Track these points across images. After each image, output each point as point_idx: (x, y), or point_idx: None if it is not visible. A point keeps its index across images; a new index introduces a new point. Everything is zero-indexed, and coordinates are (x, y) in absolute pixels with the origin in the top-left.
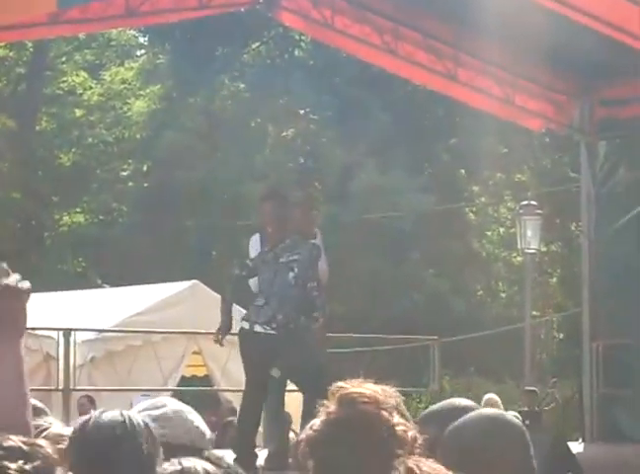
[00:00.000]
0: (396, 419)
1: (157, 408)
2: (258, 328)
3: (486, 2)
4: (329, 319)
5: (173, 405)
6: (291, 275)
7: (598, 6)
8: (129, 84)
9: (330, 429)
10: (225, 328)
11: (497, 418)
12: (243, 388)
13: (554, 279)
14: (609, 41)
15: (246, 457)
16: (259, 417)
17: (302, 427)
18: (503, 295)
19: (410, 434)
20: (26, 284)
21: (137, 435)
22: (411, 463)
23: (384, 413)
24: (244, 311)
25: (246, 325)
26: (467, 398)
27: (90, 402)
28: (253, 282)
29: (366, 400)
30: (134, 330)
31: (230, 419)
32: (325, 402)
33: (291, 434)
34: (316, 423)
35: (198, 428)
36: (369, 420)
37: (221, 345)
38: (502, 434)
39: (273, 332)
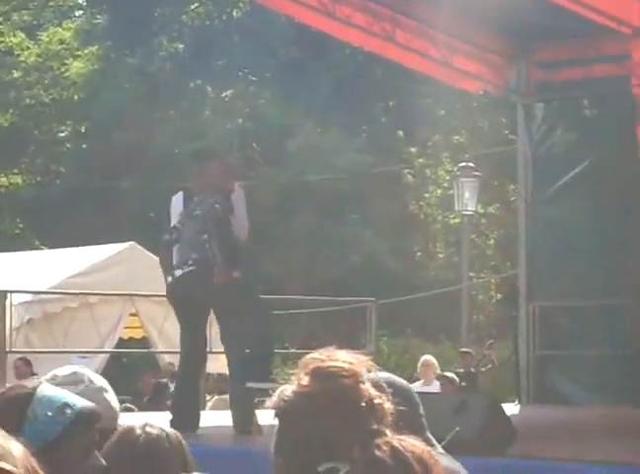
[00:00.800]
0: (372, 391)
1: (75, 384)
2: (178, 272)
3: None
4: (258, 280)
5: (92, 382)
6: (197, 228)
7: None
8: (67, 44)
9: (305, 401)
10: None
11: (388, 378)
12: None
13: (491, 241)
14: (546, 3)
15: (185, 417)
16: (201, 368)
17: (235, 380)
18: (440, 257)
19: (386, 406)
20: None
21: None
22: (395, 442)
23: (362, 386)
24: None
25: (169, 278)
26: (404, 359)
27: (26, 364)
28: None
29: (345, 374)
30: (71, 292)
31: (163, 380)
32: (296, 372)
33: None
34: (286, 392)
35: (113, 409)
36: (348, 394)
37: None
38: (393, 392)
39: (191, 268)
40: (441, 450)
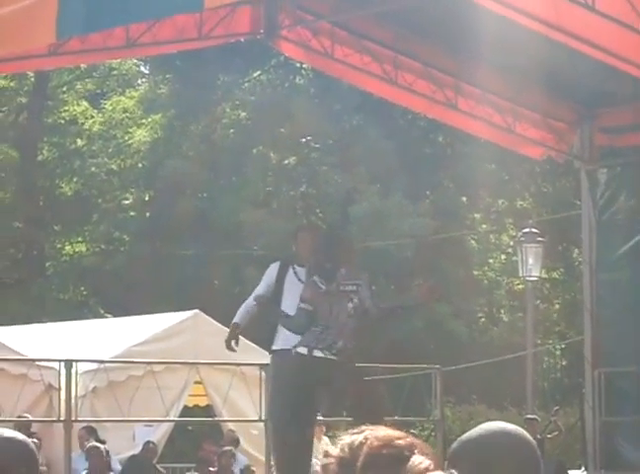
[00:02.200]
0: None
1: None
2: (318, 353)
3: (486, 30)
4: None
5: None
6: (350, 305)
7: (597, 34)
8: (131, 113)
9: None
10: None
11: (513, 431)
12: (245, 417)
13: (556, 306)
14: (609, 69)
15: None
16: (311, 451)
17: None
18: (505, 322)
19: None
20: None
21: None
22: None
23: None
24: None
25: (304, 350)
26: (470, 426)
27: (89, 433)
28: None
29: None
30: (136, 360)
31: (227, 448)
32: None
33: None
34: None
35: None
36: None
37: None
38: (518, 448)
39: (333, 357)
40: None
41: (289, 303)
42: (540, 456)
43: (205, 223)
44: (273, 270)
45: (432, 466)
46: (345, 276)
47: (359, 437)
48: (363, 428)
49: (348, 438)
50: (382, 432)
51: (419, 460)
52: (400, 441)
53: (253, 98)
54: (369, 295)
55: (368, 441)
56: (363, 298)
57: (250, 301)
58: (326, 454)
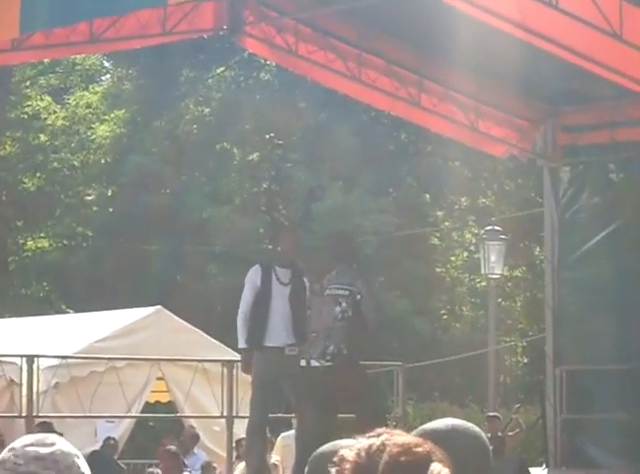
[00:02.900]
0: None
1: (46, 445)
2: (314, 363)
3: (450, 28)
4: None
5: (63, 446)
6: (338, 309)
7: (561, 32)
8: (94, 108)
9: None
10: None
11: (464, 424)
12: (207, 414)
13: (518, 304)
14: (572, 68)
15: None
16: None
17: None
18: (467, 319)
19: None
20: None
21: None
22: None
23: None
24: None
25: (303, 362)
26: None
27: (43, 430)
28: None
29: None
30: (98, 356)
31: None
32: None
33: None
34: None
35: None
36: None
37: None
38: (466, 438)
39: (328, 364)
40: None
41: (279, 307)
42: (490, 453)
43: (169, 219)
44: (255, 274)
45: None
46: (334, 279)
47: (376, 442)
48: (380, 431)
49: (365, 442)
50: (401, 437)
51: (438, 469)
52: (419, 449)
53: (217, 94)
54: (364, 302)
55: (388, 448)
56: (356, 304)
57: (243, 317)
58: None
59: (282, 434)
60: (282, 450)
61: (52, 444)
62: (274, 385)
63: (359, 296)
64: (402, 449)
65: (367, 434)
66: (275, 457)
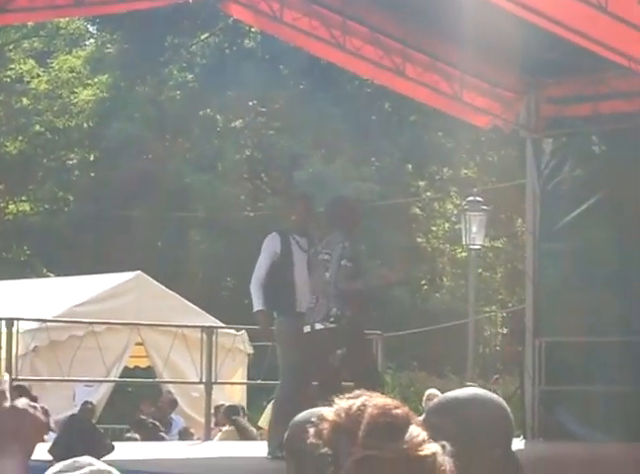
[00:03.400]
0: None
1: (76, 469)
2: (318, 326)
3: None
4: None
5: (93, 466)
6: (327, 274)
7: (545, 3)
8: (77, 72)
9: None
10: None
11: (485, 393)
12: (186, 379)
13: (499, 275)
14: (557, 39)
15: None
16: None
17: None
18: (447, 289)
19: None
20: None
21: None
22: None
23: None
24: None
25: (307, 328)
26: (409, 393)
27: (19, 393)
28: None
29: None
30: (78, 320)
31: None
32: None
33: None
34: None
35: None
36: None
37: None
38: (496, 409)
39: (333, 325)
40: None
41: (303, 273)
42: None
43: (151, 185)
44: (274, 241)
45: (427, 438)
46: (325, 244)
47: (356, 403)
48: (359, 393)
49: (344, 403)
50: (380, 399)
51: (417, 431)
52: (399, 411)
53: (201, 60)
54: (335, 271)
55: (367, 409)
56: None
57: (258, 283)
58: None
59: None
60: None
61: (82, 467)
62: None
63: (343, 262)
64: (382, 411)
65: (346, 396)
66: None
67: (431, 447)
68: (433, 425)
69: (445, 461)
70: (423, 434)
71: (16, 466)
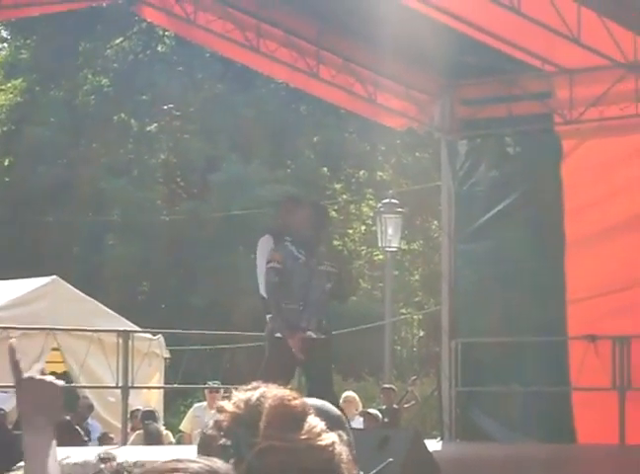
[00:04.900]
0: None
1: None
2: (312, 334)
3: (348, 0)
4: None
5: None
6: (329, 286)
7: (460, 6)
8: None
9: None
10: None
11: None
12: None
13: (415, 277)
14: (471, 42)
15: None
16: None
17: None
18: (364, 292)
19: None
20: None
21: None
22: None
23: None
24: None
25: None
26: None
27: None
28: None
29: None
30: None
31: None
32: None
33: None
34: None
35: None
36: None
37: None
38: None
39: (325, 336)
40: None
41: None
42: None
43: (66, 190)
44: (267, 243)
45: (326, 427)
46: (325, 256)
47: (255, 394)
48: (256, 385)
49: (243, 395)
50: (277, 390)
51: (315, 422)
52: (297, 401)
53: (115, 65)
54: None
55: (267, 400)
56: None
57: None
58: (220, 409)
59: (195, 405)
60: (193, 421)
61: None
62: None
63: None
64: (281, 402)
65: (244, 388)
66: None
67: (330, 437)
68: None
69: (343, 450)
70: (321, 425)
71: (46, 439)
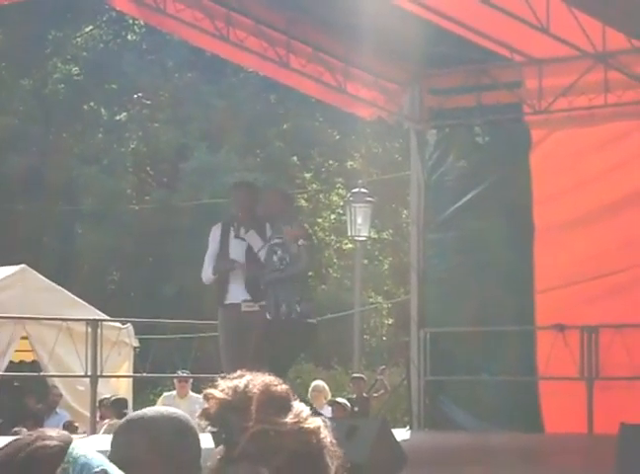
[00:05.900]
0: None
1: None
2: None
3: None
4: None
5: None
6: (275, 258)
7: None
8: None
9: None
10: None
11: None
12: (71, 373)
13: (385, 266)
14: (439, 31)
15: None
16: None
17: None
18: (333, 280)
19: None
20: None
21: None
22: None
23: None
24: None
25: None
26: (296, 385)
27: None
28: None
29: None
30: None
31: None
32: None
33: None
34: None
35: None
36: None
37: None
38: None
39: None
40: None
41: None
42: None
43: (36, 179)
44: (215, 231)
45: (310, 413)
46: (271, 231)
47: (242, 381)
48: (241, 373)
49: (229, 383)
50: (263, 377)
51: (301, 407)
52: (282, 387)
53: (85, 53)
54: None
55: (255, 387)
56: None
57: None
58: (207, 396)
59: (165, 394)
60: None
61: None
62: (238, 342)
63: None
64: (268, 388)
65: (230, 377)
66: None
67: (316, 420)
68: (122, 443)
69: (327, 434)
70: (306, 409)
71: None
